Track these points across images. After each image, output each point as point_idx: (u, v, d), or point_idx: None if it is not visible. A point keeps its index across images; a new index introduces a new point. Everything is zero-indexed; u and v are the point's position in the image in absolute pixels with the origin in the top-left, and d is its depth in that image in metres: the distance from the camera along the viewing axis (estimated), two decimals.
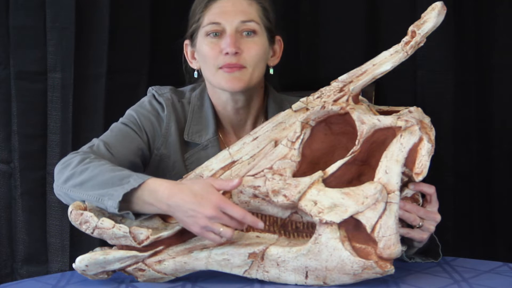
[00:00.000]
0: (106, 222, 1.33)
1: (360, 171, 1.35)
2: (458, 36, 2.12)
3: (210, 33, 1.57)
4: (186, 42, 1.66)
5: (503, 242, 2.16)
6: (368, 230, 1.26)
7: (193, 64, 1.66)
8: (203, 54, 1.59)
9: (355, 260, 1.27)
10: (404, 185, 1.34)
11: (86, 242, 2.03)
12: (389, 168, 1.28)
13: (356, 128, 1.32)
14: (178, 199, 1.31)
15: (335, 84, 1.39)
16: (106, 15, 2.09)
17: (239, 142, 1.42)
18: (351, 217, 1.27)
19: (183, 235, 1.36)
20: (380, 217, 1.26)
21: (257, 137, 1.41)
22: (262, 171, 1.34)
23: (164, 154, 1.61)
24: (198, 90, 1.67)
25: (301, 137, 1.35)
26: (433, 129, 1.33)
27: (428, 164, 1.29)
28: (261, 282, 1.33)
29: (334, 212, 1.27)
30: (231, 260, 1.33)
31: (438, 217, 1.39)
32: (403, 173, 1.30)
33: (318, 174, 1.31)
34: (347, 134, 1.35)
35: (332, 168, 1.32)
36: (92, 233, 1.34)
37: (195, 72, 1.68)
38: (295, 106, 1.41)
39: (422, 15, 1.32)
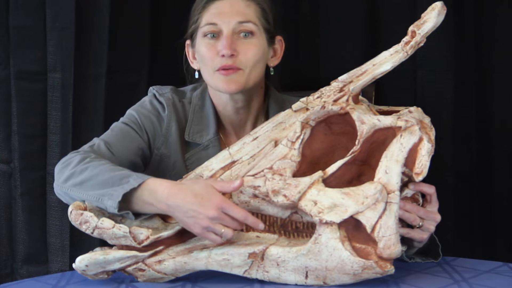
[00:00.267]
0: (106, 222, 1.33)
1: (360, 171, 1.35)
2: (458, 36, 2.12)
3: (207, 34, 1.57)
4: (188, 42, 1.66)
5: (503, 242, 2.16)
6: (368, 230, 1.26)
7: (194, 65, 1.66)
8: (201, 55, 1.59)
9: (355, 260, 1.27)
10: (404, 185, 1.34)
11: (86, 242, 2.03)
12: (389, 168, 1.28)
13: (356, 128, 1.32)
14: (178, 199, 1.31)
15: (335, 84, 1.39)
16: (106, 15, 2.09)
17: (239, 142, 1.42)
18: (351, 217, 1.27)
19: (183, 235, 1.36)
20: (380, 217, 1.26)
21: (257, 137, 1.41)
22: (262, 171, 1.34)
23: (165, 154, 1.61)
24: (199, 90, 1.67)
25: (301, 137, 1.35)
26: (433, 129, 1.33)
27: (428, 164, 1.29)
28: (261, 282, 1.33)
29: (334, 212, 1.27)
30: (231, 260, 1.33)
31: (438, 217, 1.39)
32: (403, 173, 1.30)
33: (318, 174, 1.31)
34: (347, 134, 1.35)
35: (332, 168, 1.32)
36: (92, 233, 1.34)
37: (196, 73, 1.67)
38: (295, 106, 1.41)
39: (422, 15, 1.32)
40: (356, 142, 1.31)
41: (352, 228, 1.29)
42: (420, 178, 1.30)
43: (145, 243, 1.34)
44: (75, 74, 2.08)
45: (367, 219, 1.26)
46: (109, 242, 1.36)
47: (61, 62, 2.09)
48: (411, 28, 1.32)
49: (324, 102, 1.36)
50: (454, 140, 2.14)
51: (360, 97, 1.41)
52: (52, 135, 2.11)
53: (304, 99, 1.40)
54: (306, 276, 1.31)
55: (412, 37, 1.32)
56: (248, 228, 1.36)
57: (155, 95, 1.64)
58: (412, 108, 1.35)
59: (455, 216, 2.12)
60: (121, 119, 1.63)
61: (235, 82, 1.55)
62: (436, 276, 1.37)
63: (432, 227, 1.38)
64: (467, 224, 2.16)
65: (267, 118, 1.62)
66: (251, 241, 1.35)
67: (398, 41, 1.34)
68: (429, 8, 1.31)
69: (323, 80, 1.45)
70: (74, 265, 1.36)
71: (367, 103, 1.41)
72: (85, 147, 1.53)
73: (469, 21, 2.13)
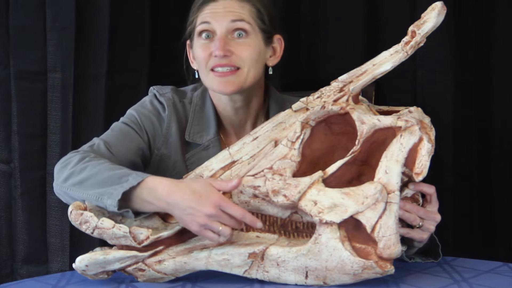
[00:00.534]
0: (106, 222, 1.33)
1: (360, 171, 1.35)
2: (458, 36, 2.12)
3: (202, 33, 1.57)
4: (188, 42, 1.66)
5: (503, 242, 2.16)
6: (368, 230, 1.26)
7: (194, 65, 1.66)
8: (197, 56, 1.60)
9: (355, 260, 1.27)
10: (404, 185, 1.34)
11: (86, 242, 2.03)
12: (389, 168, 1.28)
13: (356, 128, 1.32)
14: (177, 197, 1.31)
15: (335, 84, 1.39)
16: (106, 15, 2.09)
17: (239, 142, 1.42)
18: (351, 217, 1.27)
19: (183, 235, 1.36)
20: (380, 217, 1.26)
21: (257, 137, 1.41)
22: (262, 171, 1.34)
23: (165, 154, 1.61)
24: (200, 90, 1.67)
25: (301, 137, 1.35)
26: (433, 129, 1.33)
27: (428, 164, 1.29)
28: (261, 282, 1.33)
29: (334, 212, 1.27)
30: (231, 260, 1.33)
31: (438, 217, 1.39)
32: (403, 173, 1.30)
33: (318, 174, 1.31)
34: (347, 134, 1.35)
35: (332, 168, 1.32)
36: (92, 233, 1.34)
37: (196, 72, 1.67)
38: (295, 106, 1.41)
39: (422, 15, 1.32)
40: (356, 142, 1.31)
41: (352, 228, 1.29)
42: (420, 178, 1.30)
43: (145, 243, 1.34)
44: (75, 74, 2.08)
45: (367, 219, 1.26)
46: (109, 242, 1.36)
47: (61, 62, 2.09)
48: (411, 28, 1.32)
49: (324, 102, 1.36)
50: (454, 140, 2.14)
51: (360, 97, 1.41)
52: (52, 135, 2.11)
53: (304, 99, 1.40)
54: (306, 276, 1.31)
55: (412, 37, 1.32)
56: (248, 228, 1.36)
57: (155, 95, 1.64)
58: (412, 108, 1.35)
59: (455, 216, 2.12)
60: (121, 119, 1.63)
61: (231, 83, 1.55)
62: (436, 276, 1.37)
63: (432, 227, 1.38)
64: (467, 224, 2.16)
65: (267, 118, 1.62)
66: (251, 241, 1.35)
67: (398, 41, 1.34)
68: (429, 8, 1.31)
69: (323, 80, 1.45)
70: (74, 265, 1.36)
71: (367, 103, 1.41)
72: (85, 146, 1.53)
73: (469, 21, 2.13)
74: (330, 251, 1.28)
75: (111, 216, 1.36)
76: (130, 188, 1.33)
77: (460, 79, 2.14)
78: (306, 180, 1.30)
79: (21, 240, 2.16)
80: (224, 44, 1.54)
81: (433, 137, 1.32)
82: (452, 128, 2.13)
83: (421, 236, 1.38)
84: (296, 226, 1.35)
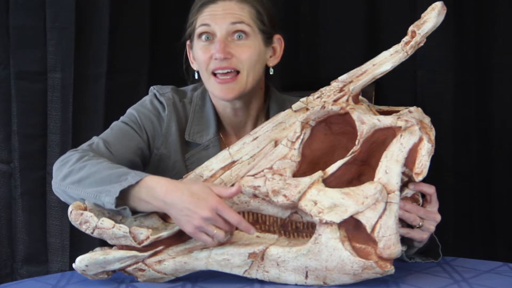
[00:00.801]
0: (106, 222, 1.33)
1: (360, 171, 1.35)
2: (458, 36, 2.12)
3: (202, 35, 1.57)
4: (188, 43, 1.66)
5: (503, 242, 2.16)
6: (368, 230, 1.26)
7: (194, 65, 1.66)
8: (197, 58, 1.59)
9: (355, 260, 1.27)
10: (404, 185, 1.34)
11: (86, 242, 2.03)
12: (389, 168, 1.28)
13: (356, 128, 1.32)
14: (175, 197, 1.31)
15: (335, 84, 1.39)
16: (106, 15, 2.09)
17: (239, 142, 1.42)
18: (351, 217, 1.27)
19: (183, 235, 1.36)
20: (380, 217, 1.26)
21: (257, 137, 1.41)
22: (262, 171, 1.34)
23: (164, 154, 1.61)
24: (200, 90, 1.67)
25: (301, 137, 1.35)
26: (433, 129, 1.33)
27: (428, 164, 1.29)
28: (261, 282, 1.33)
29: (334, 212, 1.27)
30: (231, 260, 1.33)
31: (438, 217, 1.39)
32: (403, 173, 1.30)
33: (318, 174, 1.31)
34: (347, 134, 1.35)
35: (332, 168, 1.32)
36: (92, 233, 1.34)
37: (195, 73, 1.67)
38: (295, 106, 1.41)
39: (422, 15, 1.32)
40: (356, 142, 1.31)
41: (352, 228, 1.29)
42: (420, 178, 1.30)
43: (145, 243, 1.34)
44: (75, 74, 2.08)
45: (367, 219, 1.26)
46: (109, 242, 1.36)
47: (61, 62, 2.09)
48: (411, 28, 1.32)
49: (324, 102, 1.36)
50: (454, 140, 2.14)
51: (360, 97, 1.41)
52: (52, 135, 2.11)
53: (304, 99, 1.41)
54: (306, 276, 1.31)
55: (412, 37, 1.32)
56: None
57: (155, 95, 1.64)
58: (412, 108, 1.35)
59: (455, 216, 2.12)
60: (121, 118, 1.63)
61: (232, 90, 1.55)
62: (436, 276, 1.37)
63: (432, 227, 1.38)
64: (467, 224, 2.16)
65: (267, 118, 1.62)
66: (251, 241, 1.35)
67: (398, 41, 1.34)
68: (429, 8, 1.31)
69: (323, 80, 1.45)
70: (74, 265, 1.36)
71: (367, 103, 1.41)
72: (84, 145, 1.53)
73: (469, 21, 2.13)
74: (330, 251, 1.28)
75: (111, 216, 1.36)
76: (128, 186, 1.33)
77: (460, 79, 2.14)
78: (306, 180, 1.30)
79: (21, 240, 2.16)
80: (224, 46, 1.54)
81: (433, 137, 1.32)
82: (452, 128, 2.13)
83: (421, 236, 1.38)
84: (296, 226, 1.35)
